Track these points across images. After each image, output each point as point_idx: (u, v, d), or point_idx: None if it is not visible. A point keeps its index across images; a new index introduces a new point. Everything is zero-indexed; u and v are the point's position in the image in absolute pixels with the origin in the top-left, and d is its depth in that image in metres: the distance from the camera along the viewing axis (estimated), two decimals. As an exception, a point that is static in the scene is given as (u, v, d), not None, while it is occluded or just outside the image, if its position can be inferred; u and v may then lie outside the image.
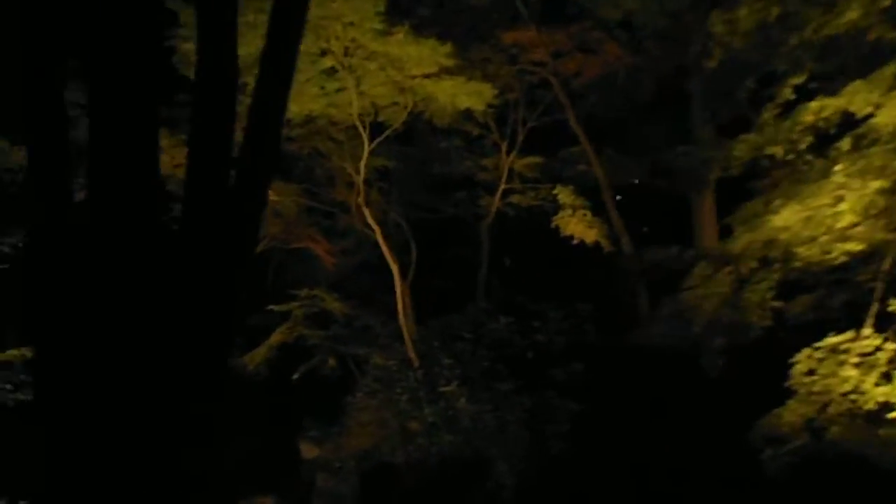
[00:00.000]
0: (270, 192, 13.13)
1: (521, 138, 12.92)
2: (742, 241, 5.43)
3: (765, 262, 5.27)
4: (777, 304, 5.35)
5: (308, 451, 8.85)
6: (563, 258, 12.74)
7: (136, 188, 2.71)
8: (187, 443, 2.74)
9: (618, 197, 12.74)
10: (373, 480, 6.61)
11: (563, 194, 12.09)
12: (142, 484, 2.66)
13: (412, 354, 8.13)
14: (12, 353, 7.12)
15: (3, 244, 7.66)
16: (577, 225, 11.91)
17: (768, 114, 5.36)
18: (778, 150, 5.04)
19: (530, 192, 13.81)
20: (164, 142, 10.26)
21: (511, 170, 13.07)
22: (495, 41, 11.21)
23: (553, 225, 12.16)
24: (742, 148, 5.38)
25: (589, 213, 11.81)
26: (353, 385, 11.35)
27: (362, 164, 8.73)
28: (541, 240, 13.98)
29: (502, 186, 13.03)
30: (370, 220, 8.91)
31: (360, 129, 8.26)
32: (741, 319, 5.26)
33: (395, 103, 8.18)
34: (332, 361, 11.52)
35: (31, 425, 2.71)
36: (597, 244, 11.74)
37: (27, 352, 7.29)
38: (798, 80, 5.07)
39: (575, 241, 11.86)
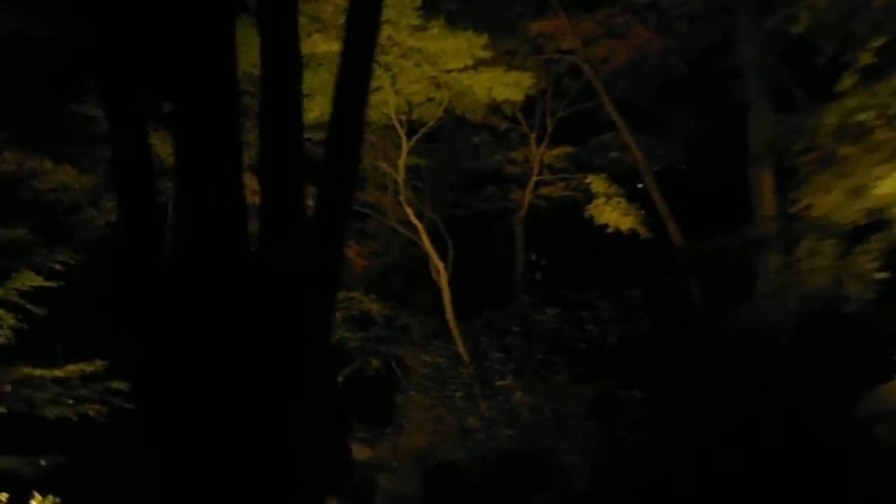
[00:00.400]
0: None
1: (550, 129, 12.81)
2: (842, 211, 5.20)
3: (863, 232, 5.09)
4: (882, 274, 5.14)
5: (360, 451, 8.86)
6: (598, 248, 12.61)
7: (223, 212, 2.70)
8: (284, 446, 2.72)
9: (639, 185, 12.54)
10: (435, 479, 6.58)
11: (597, 183, 11.96)
12: (241, 487, 2.65)
13: (462, 350, 8.08)
14: (71, 368, 7.23)
15: (56, 262, 7.79)
16: (612, 213, 11.78)
17: (849, 80, 5.15)
18: (869, 116, 4.85)
19: (561, 183, 13.69)
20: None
21: (541, 161, 12.96)
22: (521, 32, 11.12)
23: (587, 214, 12.04)
24: (834, 114, 5.16)
25: (624, 201, 11.67)
26: (397, 385, 11.34)
27: (401, 162, 8.71)
28: (574, 230, 13.88)
29: (534, 178, 12.93)
30: (413, 219, 8.88)
31: (398, 127, 8.23)
32: (841, 291, 5.10)
33: (430, 99, 8.14)
34: (374, 362, 11.53)
35: (132, 437, 2.72)
36: (633, 232, 11.61)
37: (85, 367, 7.40)
38: (879, 43, 4.87)
39: (610, 230, 11.74)
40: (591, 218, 11.87)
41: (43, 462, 6.68)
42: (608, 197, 11.81)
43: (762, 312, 6.14)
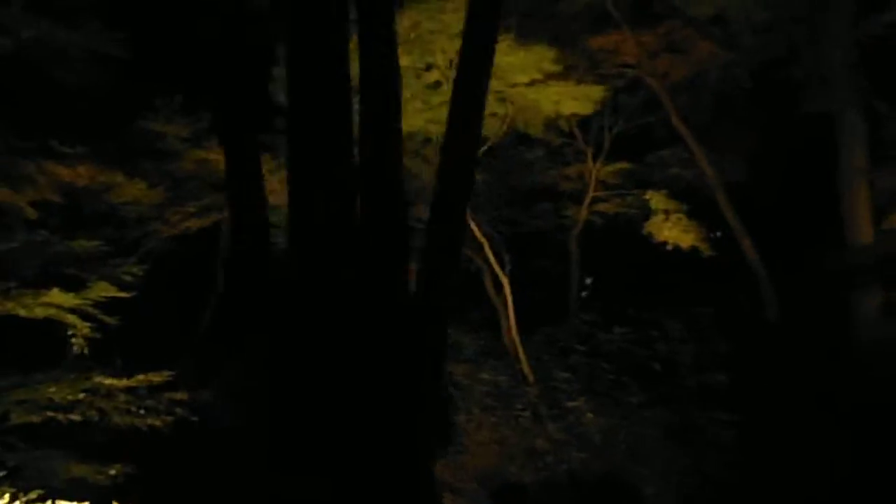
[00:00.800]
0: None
1: (607, 145, 12.63)
2: None
3: None
4: None
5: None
6: (656, 265, 12.31)
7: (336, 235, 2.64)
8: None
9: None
10: (503, 501, 6.39)
11: (656, 199, 11.70)
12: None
13: (526, 369, 7.91)
14: (139, 378, 7.31)
15: (127, 274, 7.93)
16: (672, 230, 11.50)
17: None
18: None
19: (617, 199, 13.46)
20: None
21: (596, 178, 12.78)
22: (579, 48, 11.02)
23: (645, 232, 11.78)
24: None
25: (684, 217, 11.38)
26: (453, 403, 11.18)
27: None
28: (630, 247, 13.60)
29: (590, 195, 12.74)
30: (478, 235, 8.79)
31: None
32: None
33: (493, 115, 8.07)
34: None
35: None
36: (693, 249, 11.30)
37: (154, 377, 7.48)
38: None
39: (668, 247, 11.44)
40: (649, 235, 11.61)
41: (112, 472, 6.75)
42: (668, 213, 11.54)
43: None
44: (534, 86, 7.67)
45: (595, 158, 12.57)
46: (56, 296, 6.64)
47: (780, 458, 5.56)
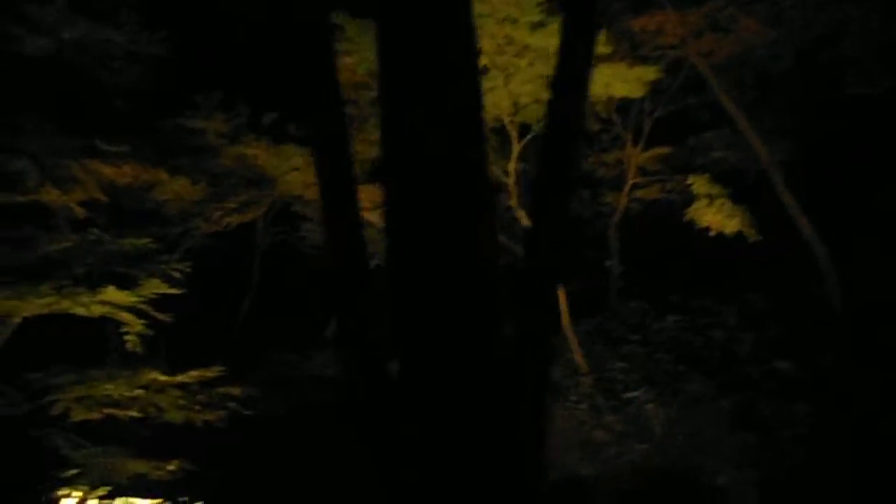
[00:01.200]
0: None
1: (647, 129, 12.39)
2: None
3: None
4: None
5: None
6: (696, 252, 12.07)
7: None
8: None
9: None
10: (562, 494, 6.28)
11: (699, 184, 11.43)
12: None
13: (579, 360, 7.77)
14: (193, 374, 7.34)
15: (174, 270, 7.95)
16: (716, 215, 11.24)
17: None
18: None
19: (657, 185, 13.22)
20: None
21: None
22: (620, 28, 10.78)
23: (687, 218, 11.53)
24: None
25: (728, 202, 11.11)
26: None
27: (512, 166, 8.51)
28: (670, 234, 13.35)
29: (630, 181, 12.52)
30: (526, 223, 8.65)
31: (511, 130, 8.05)
32: None
33: (537, 100, 7.91)
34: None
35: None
36: (737, 235, 11.03)
37: (206, 372, 7.50)
38: None
39: (712, 233, 11.19)
40: (692, 221, 11.36)
41: (171, 467, 6.80)
42: (711, 198, 11.27)
43: None
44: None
45: (635, 143, 12.36)
46: (112, 293, 6.68)
47: (856, 448, 5.36)
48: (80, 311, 6.71)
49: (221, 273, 13.72)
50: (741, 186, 11.44)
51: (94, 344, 8.93)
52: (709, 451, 6.00)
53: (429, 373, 2.36)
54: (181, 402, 7.37)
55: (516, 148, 8.37)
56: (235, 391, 7.84)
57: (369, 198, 12.34)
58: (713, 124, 12.53)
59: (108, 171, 9.07)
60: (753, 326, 7.35)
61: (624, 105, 11.98)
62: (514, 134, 8.30)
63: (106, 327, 9.67)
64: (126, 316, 7.00)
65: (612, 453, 6.35)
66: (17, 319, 6.82)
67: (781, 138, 11.93)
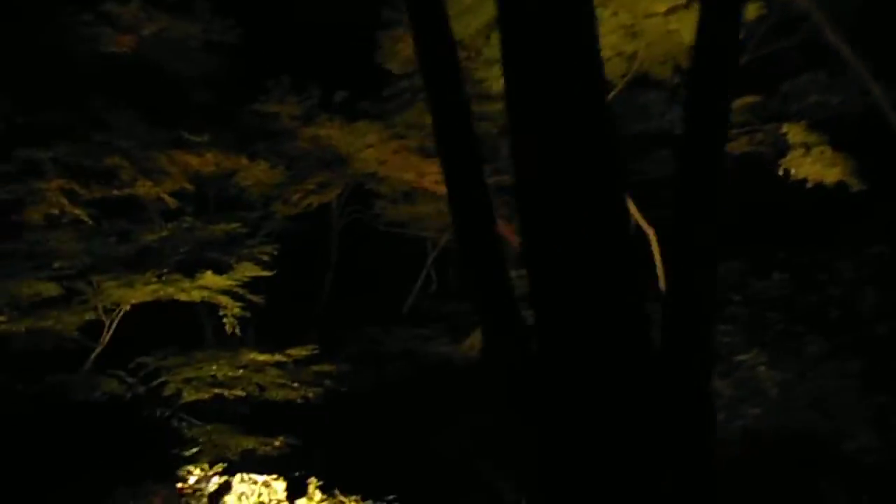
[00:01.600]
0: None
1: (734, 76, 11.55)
2: None
3: None
4: None
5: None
6: (793, 205, 11.31)
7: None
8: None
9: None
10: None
11: (794, 132, 10.61)
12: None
13: None
14: (291, 352, 7.49)
15: (264, 254, 8.09)
16: (813, 165, 10.43)
17: None
18: None
19: (743, 138, 12.42)
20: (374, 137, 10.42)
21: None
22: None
23: (781, 170, 10.78)
24: None
25: (828, 149, 10.29)
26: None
27: None
28: (759, 189, 12.60)
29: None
30: None
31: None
32: None
33: (620, 54, 7.48)
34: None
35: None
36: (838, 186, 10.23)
37: (301, 351, 7.64)
38: None
39: (809, 185, 10.43)
40: (786, 173, 10.63)
41: (277, 443, 7.01)
42: (808, 147, 10.47)
43: None
44: (675, 13, 6.97)
45: (720, 94, 11.60)
46: (210, 278, 6.88)
47: None
48: (182, 296, 6.95)
49: (301, 255, 14.03)
50: (840, 133, 10.59)
51: (189, 328, 9.32)
52: (834, 414, 5.55)
53: (574, 355, 2.24)
54: (280, 380, 7.56)
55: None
56: (329, 368, 7.98)
57: (439, 170, 12.22)
58: (806, 68, 11.62)
59: (193, 160, 9.33)
60: (874, 281, 6.74)
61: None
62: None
63: (200, 311, 10.09)
64: (223, 299, 7.21)
65: (723, 419, 6.02)
66: (126, 307, 7.15)
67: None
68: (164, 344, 8.00)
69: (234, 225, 7.83)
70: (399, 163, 11.39)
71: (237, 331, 7.45)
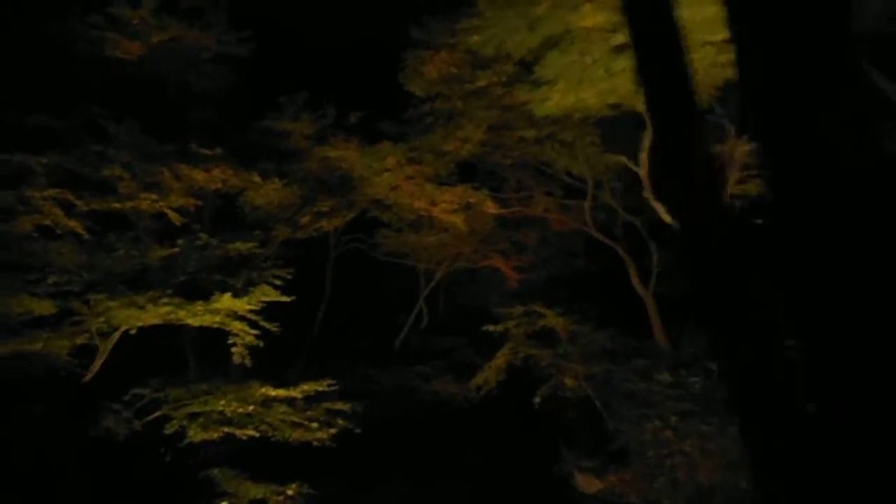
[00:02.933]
0: (476, 207, 12.35)
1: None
2: None
3: None
4: None
5: (588, 484, 7.88)
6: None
7: None
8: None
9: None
10: None
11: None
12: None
13: None
14: (304, 388, 6.77)
15: (276, 278, 7.43)
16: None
17: None
18: None
19: (758, 179, 12.30)
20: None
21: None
22: None
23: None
24: None
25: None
26: (598, 408, 10.33)
27: (644, 156, 7.78)
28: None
29: (734, 174, 11.61)
30: (667, 218, 7.89)
31: (645, 114, 7.32)
32: None
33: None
34: (569, 382, 10.55)
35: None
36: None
37: (315, 386, 6.93)
38: None
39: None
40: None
41: (290, 491, 6.23)
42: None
43: None
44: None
45: (739, 134, 11.45)
46: (227, 301, 6.17)
47: None
48: (192, 321, 6.22)
49: (293, 282, 13.35)
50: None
51: (165, 356, 8.51)
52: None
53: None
54: (290, 418, 6.81)
55: (650, 133, 7.64)
56: (343, 407, 7.25)
57: (455, 199, 11.64)
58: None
59: (198, 176, 8.67)
60: None
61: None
62: (647, 118, 7.56)
63: (184, 339, 9.28)
64: (237, 325, 6.49)
65: None
66: (122, 330, 6.38)
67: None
68: (145, 374, 7.21)
69: (251, 244, 7.14)
70: (412, 189, 10.90)
71: (247, 361, 6.69)
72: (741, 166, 12.05)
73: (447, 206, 11.44)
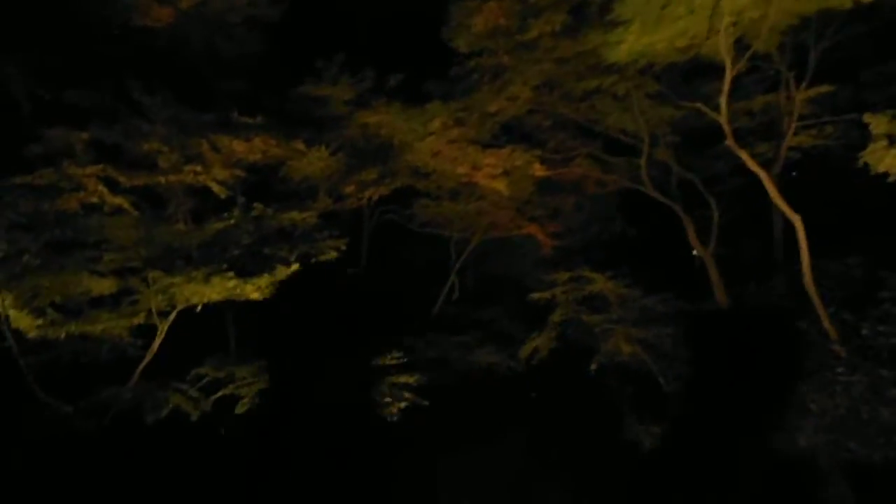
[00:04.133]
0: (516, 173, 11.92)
1: (813, 65, 10.85)
2: None
3: None
4: None
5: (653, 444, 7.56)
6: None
7: None
8: None
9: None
10: (862, 483, 5.12)
11: (877, 123, 9.84)
12: None
13: (828, 325, 6.51)
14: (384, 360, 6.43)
15: (332, 248, 7.07)
16: (897, 159, 9.69)
17: None
18: None
19: (812, 131, 11.73)
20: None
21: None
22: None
23: (861, 162, 10.04)
24: None
25: (916, 142, 9.55)
26: (659, 371, 10.01)
27: (723, 101, 7.25)
28: (832, 183, 11.95)
29: (793, 125, 11.06)
30: (755, 167, 7.40)
31: (725, 55, 6.80)
32: None
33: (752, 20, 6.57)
34: (626, 347, 10.21)
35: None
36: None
37: (386, 360, 6.60)
38: None
39: (892, 179, 9.69)
40: (864, 166, 9.89)
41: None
42: (891, 139, 9.72)
43: None
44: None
45: (798, 82, 10.87)
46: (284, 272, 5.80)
47: None
48: (255, 295, 5.89)
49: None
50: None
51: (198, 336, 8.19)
52: None
53: None
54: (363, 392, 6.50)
55: (729, 76, 7.12)
56: (410, 380, 6.94)
57: (499, 163, 11.16)
58: (881, 57, 10.96)
59: (239, 147, 8.28)
60: None
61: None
62: (727, 60, 7.03)
63: (226, 317, 8.98)
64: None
65: None
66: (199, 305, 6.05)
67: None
68: (193, 354, 6.92)
69: (308, 213, 6.76)
70: (454, 154, 10.43)
71: None
72: (798, 117, 11.45)
73: (490, 170, 10.97)
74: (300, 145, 8.15)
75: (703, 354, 9.25)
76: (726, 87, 7.07)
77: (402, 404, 6.44)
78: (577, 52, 7.98)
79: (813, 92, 11.41)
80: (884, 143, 10.18)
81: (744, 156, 7.37)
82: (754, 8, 6.24)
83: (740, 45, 8.62)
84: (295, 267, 5.82)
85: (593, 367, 10.13)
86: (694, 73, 10.57)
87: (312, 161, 8.43)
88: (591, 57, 8.23)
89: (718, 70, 10.64)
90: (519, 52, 8.70)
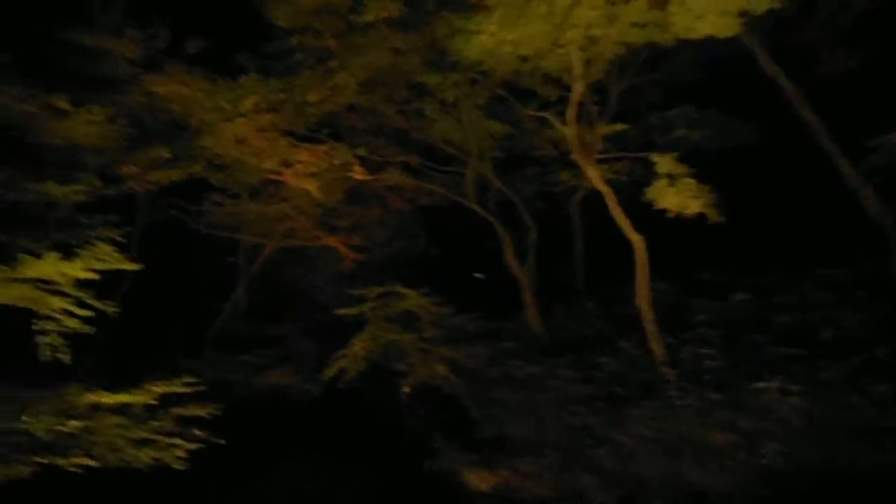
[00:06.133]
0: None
1: (613, 103, 11.65)
2: None
3: None
4: None
5: (480, 480, 7.02)
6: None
7: None
8: None
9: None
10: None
11: (662, 163, 10.88)
12: None
13: (656, 347, 6.50)
14: (153, 389, 4.88)
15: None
16: (677, 196, 10.78)
17: None
18: None
19: (617, 164, 12.64)
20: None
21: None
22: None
23: (647, 198, 11.01)
24: None
25: (693, 182, 10.73)
26: (471, 394, 9.64)
27: (572, 111, 7.01)
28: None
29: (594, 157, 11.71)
30: (601, 185, 7.21)
31: (578, 68, 6.54)
32: None
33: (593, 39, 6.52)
34: (440, 369, 9.71)
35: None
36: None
37: (170, 387, 5.13)
38: None
39: (670, 215, 10.78)
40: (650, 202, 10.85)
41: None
42: (672, 178, 10.80)
43: None
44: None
45: (600, 117, 11.56)
46: (46, 265, 4.04)
47: None
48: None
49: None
50: (699, 167, 11.15)
51: None
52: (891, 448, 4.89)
53: None
54: (127, 434, 4.86)
55: (579, 87, 6.93)
56: (198, 411, 5.50)
57: (313, 161, 9.94)
58: (666, 104, 12.22)
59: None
60: (833, 305, 6.64)
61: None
62: (578, 67, 6.81)
63: None
64: (55, 302, 4.35)
65: (744, 459, 5.14)
66: None
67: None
68: None
69: (73, 188, 4.94)
70: (262, 145, 9.03)
71: (65, 357, 4.58)
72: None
73: (303, 168, 9.76)
74: (63, 103, 6.15)
75: (518, 376, 9.07)
76: (576, 97, 6.95)
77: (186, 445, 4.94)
78: (415, 46, 7.30)
79: (609, 129, 12.21)
80: (666, 181, 11.09)
81: (591, 173, 7.32)
82: (599, 26, 6.18)
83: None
84: (49, 263, 4.06)
85: (406, 390, 9.40)
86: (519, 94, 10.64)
87: (79, 125, 6.45)
88: (428, 52, 7.64)
89: (538, 98, 10.76)
90: (349, 36, 7.75)
